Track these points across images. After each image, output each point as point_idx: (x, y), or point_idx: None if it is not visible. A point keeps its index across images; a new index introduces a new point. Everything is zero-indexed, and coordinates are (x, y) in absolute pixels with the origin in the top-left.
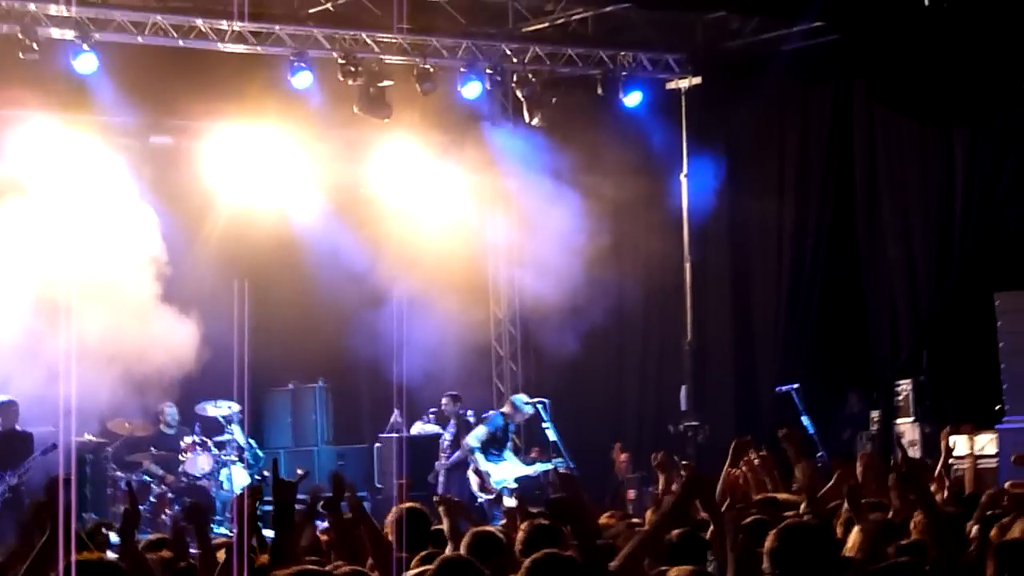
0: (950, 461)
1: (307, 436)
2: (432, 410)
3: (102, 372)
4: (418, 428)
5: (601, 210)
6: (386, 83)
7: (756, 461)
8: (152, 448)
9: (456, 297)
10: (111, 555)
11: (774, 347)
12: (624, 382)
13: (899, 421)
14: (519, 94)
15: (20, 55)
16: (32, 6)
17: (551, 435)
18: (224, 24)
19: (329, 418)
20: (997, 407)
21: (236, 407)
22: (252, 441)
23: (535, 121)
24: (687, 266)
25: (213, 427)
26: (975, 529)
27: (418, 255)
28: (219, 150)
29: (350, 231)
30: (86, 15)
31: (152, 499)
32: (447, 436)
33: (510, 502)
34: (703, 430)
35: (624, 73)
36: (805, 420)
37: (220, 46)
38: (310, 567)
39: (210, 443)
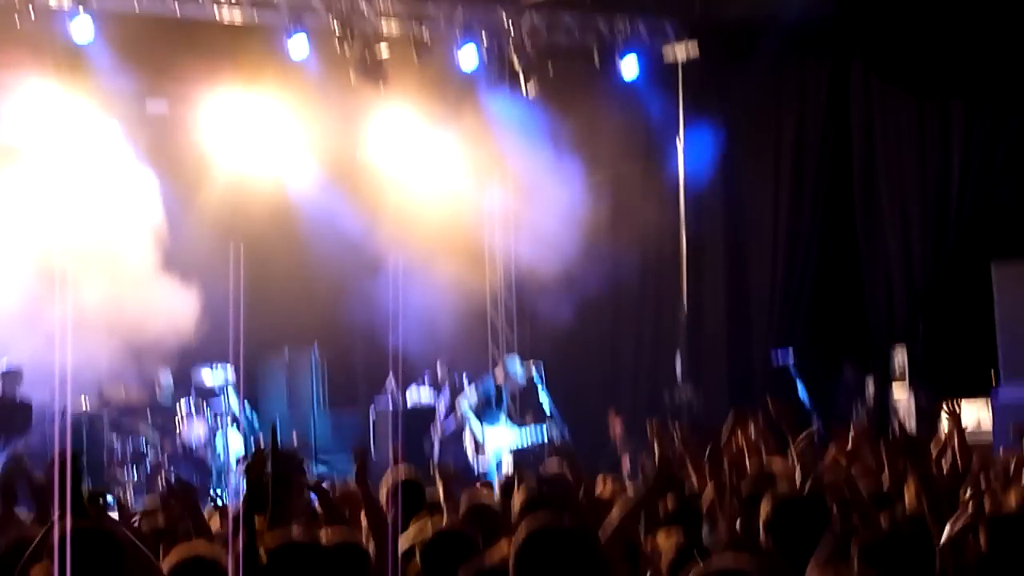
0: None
1: (302, 402)
2: (427, 372)
3: (99, 338)
4: (413, 393)
5: (597, 179)
6: (383, 52)
7: (751, 430)
8: (148, 414)
9: (452, 264)
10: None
11: (769, 316)
12: (619, 350)
13: (894, 389)
14: (516, 64)
15: (17, 22)
16: None
17: (545, 401)
18: None
19: (324, 384)
20: (992, 376)
21: (231, 372)
22: (248, 406)
23: (531, 91)
24: (683, 236)
25: (208, 393)
26: (968, 498)
27: (414, 223)
28: (215, 118)
29: (346, 199)
30: None
31: (148, 465)
32: (442, 405)
33: (508, 461)
34: (698, 399)
35: (621, 43)
36: (800, 388)
37: (217, 14)
38: (299, 539)
39: (206, 409)
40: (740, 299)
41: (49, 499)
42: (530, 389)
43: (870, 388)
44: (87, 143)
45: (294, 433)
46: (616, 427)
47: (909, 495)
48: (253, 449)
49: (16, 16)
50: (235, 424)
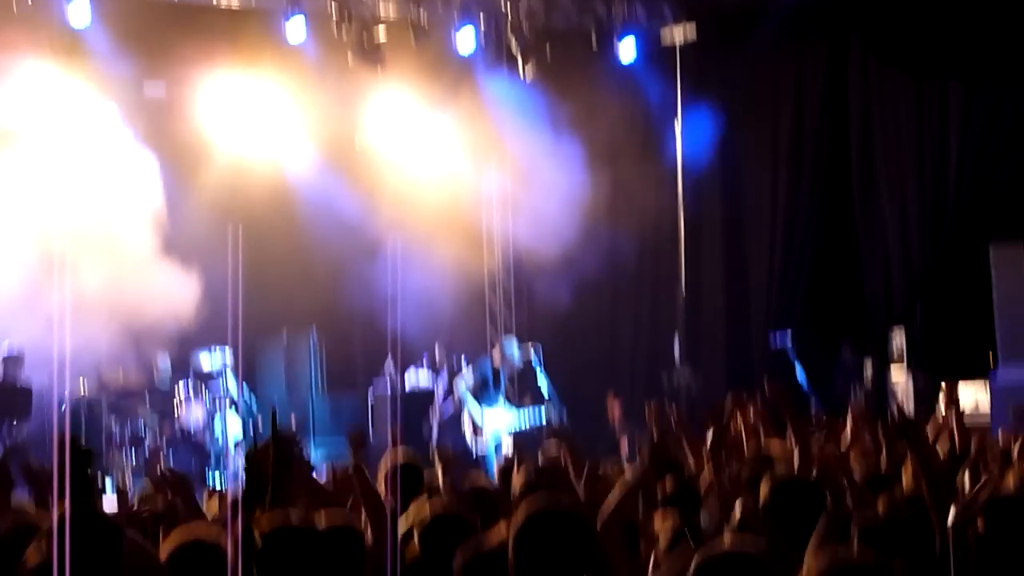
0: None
1: (300, 385)
2: (425, 355)
3: (97, 321)
4: (411, 375)
5: (595, 162)
6: (381, 35)
7: (750, 412)
8: (146, 397)
9: (450, 247)
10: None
11: (767, 297)
12: (617, 333)
13: (892, 372)
14: (513, 47)
15: (14, 5)
16: None
17: (543, 383)
18: None
19: (322, 367)
20: (990, 358)
21: (229, 356)
22: (246, 389)
23: (529, 74)
24: (681, 218)
25: (206, 376)
26: (967, 480)
27: (412, 206)
28: (213, 101)
29: (344, 182)
30: None
31: (146, 449)
32: (440, 388)
33: (507, 443)
34: (696, 380)
35: (618, 26)
36: (799, 371)
37: None
38: (292, 523)
39: (204, 392)
40: (738, 281)
41: (47, 484)
42: (528, 372)
43: (868, 370)
44: (85, 126)
45: (292, 416)
46: (614, 410)
47: (907, 477)
48: (252, 434)
49: (14, 3)
50: (233, 407)
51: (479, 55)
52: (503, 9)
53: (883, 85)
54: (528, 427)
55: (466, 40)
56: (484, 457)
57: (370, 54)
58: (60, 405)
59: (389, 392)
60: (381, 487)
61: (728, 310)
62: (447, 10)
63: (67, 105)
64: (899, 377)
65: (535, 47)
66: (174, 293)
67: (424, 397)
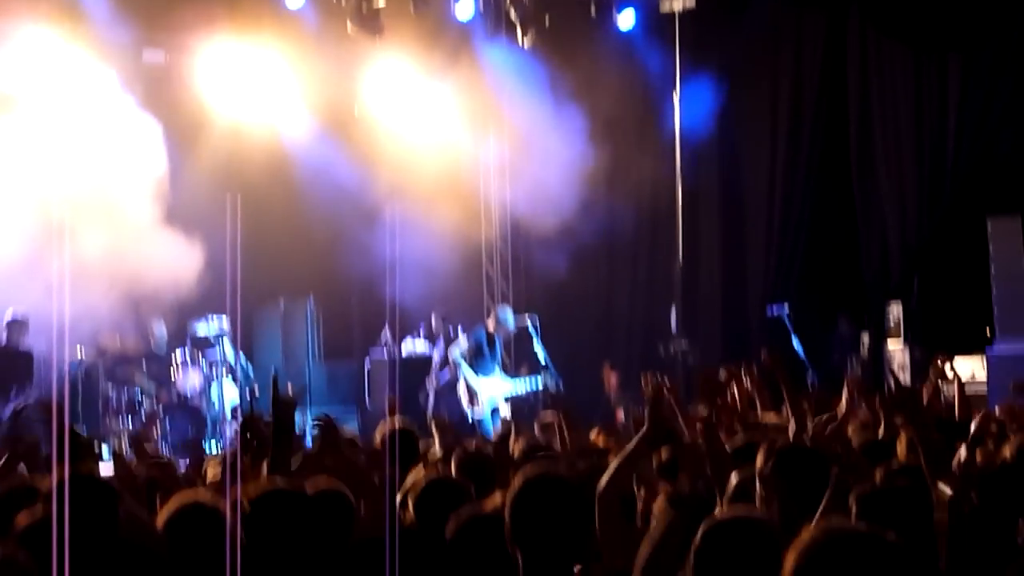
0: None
1: (297, 353)
2: (422, 325)
3: (95, 288)
4: (408, 344)
5: (594, 132)
6: (379, 1)
7: (745, 383)
8: (143, 363)
9: (448, 216)
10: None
11: (765, 269)
12: (614, 303)
13: (889, 344)
14: (512, 15)
15: None
16: None
17: (540, 351)
18: None
19: (319, 335)
20: (987, 331)
21: (226, 323)
22: (243, 357)
23: (527, 42)
24: (679, 189)
25: (204, 343)
26: (963, 452)
27: (410, 174)
28: (211, 68)
29: (342, 149)
30: None
31: (142, 415)
32: (436, 357)
33: (506, 410)
34: (693, 351)
35: None
36: (795, 342)
37: None
38: (282, 486)
39: (201, 359)
40: (735, 252)
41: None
42: (524, 341)
43: (865, 343)
44: (84, 92)
45: (289, 385)
46: (611, 380)
47: (900, 447)
48: (249, 401)
49: None
50: (230, 374)
51: (478, 22)
52: None
53: (882, 56)
54: (524, 395)
55: (465, 7)
56: (480, 423)
57: (369, 21)
58: (59, 371)
59: (386, 356)
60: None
61: (725, 281)
62: None
63: (66, 71)
64: (896, 350)
65: (534, 15)
66: (172, 260)
67: (421, 364)
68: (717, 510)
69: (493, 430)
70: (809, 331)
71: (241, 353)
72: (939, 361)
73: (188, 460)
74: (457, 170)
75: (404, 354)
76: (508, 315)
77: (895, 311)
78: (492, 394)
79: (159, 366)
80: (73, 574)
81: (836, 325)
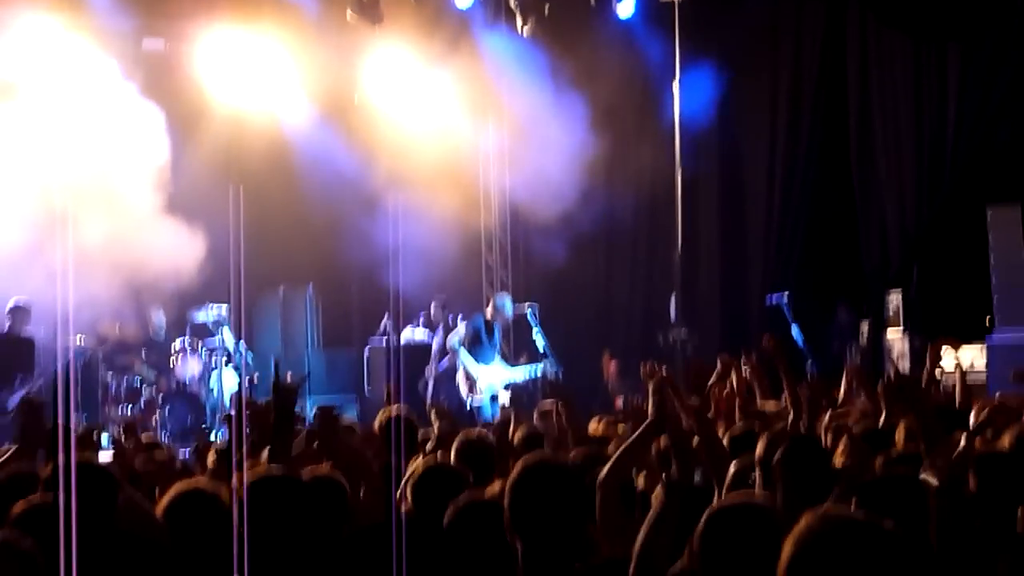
0: (938, 373)
1: (297, 340)
2: (421, 314)
3: (96, 276)
4: (408, 333)
5: (593, 120)
6: None
7: (744, 371)
8: (143, 351)
9: (447, 204)
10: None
11: (764, 258)
12: (614, 291)
13: (888, 333)
14: (511, 3)
15: None
16: None
17: (540, 340)
18: None
19: (319, 323)
20: (987, 320)
21: (226, 311)
22: (243, 345)
23: (527, 30)
24: (678, 177)
25: (203, 331)
26: (963, 440)
27: (410, 162)
28: (211, 56)
29: (342, 137)
30: None
31: (142, 402)
32: (435, 344)
33: (505, 397)
34: (692, 340)
35: None
36: (795, 331)
37: None
38: (277, 471)
39: (200, 347)
40: (735, 241)
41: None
42: (524, 330)
43: (864, 331)
44: (84, 80)
45: (288, 373)
46: (610, 368)
47: (899, 436)
48: (248, 389)
49: None
50: (230, 362)
51: (477, 10)
52: None
53: (882, 46)
54: (524, 382)
55: None
56: (479, 410)
57: (368, 9)
58: (64, 360)
59: (386, 344)
60: (376, 441)
61: (724, 270)
62: None
63: (67, 59)
64: (895, 339)
65: (533, 3)
66: (172, 248)
67: (420, 352)
68: (714, 498)
69: (492, 417)
70: (808, 320)
71: (241, 341)
72: (940, 347)
73: (191, 447)
74: (457, 158)
75: (403, 342)
76: (506, 302)
77: (894, 300)
78: (491, 381)
79: (158, 354)
80: (70, 559)
81: (835, 314)
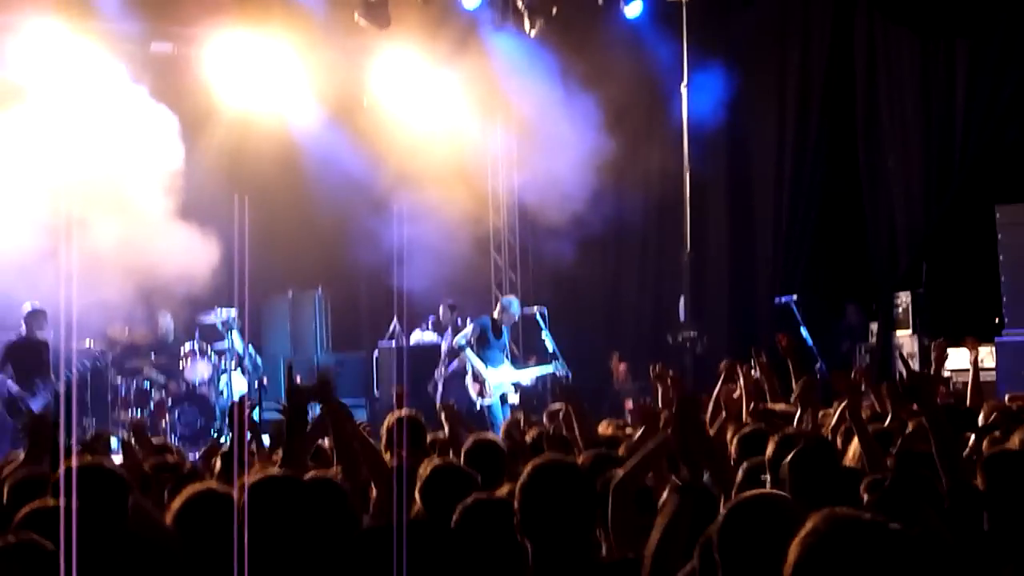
0: (946, 374)
1: (305, 343)
2: (431, 317)
3: (106, 280)
4: (416, 336)
5: (601, 121)
6: None
7: (754, 372)
8: (152, 355)
9: (456, 206)
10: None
11: (773, 259)
12: (622, 293)
13: (898, 333)
14: (519, 4)
15: None
16: None
17: (549, 343)
18: None
19: (328, 325)
20: (996, 320)
21: (235, 314)
22: (252, 348)
23: (535, 32)
24: (687, 177)
25: (212, 334)
26: (972, 440)
27: (418, 164)
28: (220, 59)
29: (350, 139)
30: None
31: (151, 406)
32: (444, 346)
33: (515, 398)
34: (701, 341)
35: None
36: (804, 332)
37: None
38: (278, 472)
39: (209, 350)
40: (744, 242)
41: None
42: (533, 332)
43: (873, 332)
44: (93, 84)
45: (297, 376)
46: (619, 370)
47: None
48: (257, 391)
49: None
50: (239, 365)
51: (485, 11)
52: None
53: (889, 44)
54: (534, 383)
55: None
56: (490, 409)
57: (376, 11)
58: (69, 363)
59: (395, 346)
60: (384, 443)
61: (733, 271)
62: None
63: (75, 63)
64: (904, 339)
65: (541, 3)
66: (181, 251)
67: (429, 354)
68: (720, 500)
69: (503, 420)
70: (817, 320)
71: (249, 344)
72: (944, 347)
73: (200, 450)
74: (465, 160)
75: (412, 344)
76: (513, 303)
77: (904, 300)
78: (501, 380)
79: (168, 357)
80: (81, 563)
81: (844, 314)
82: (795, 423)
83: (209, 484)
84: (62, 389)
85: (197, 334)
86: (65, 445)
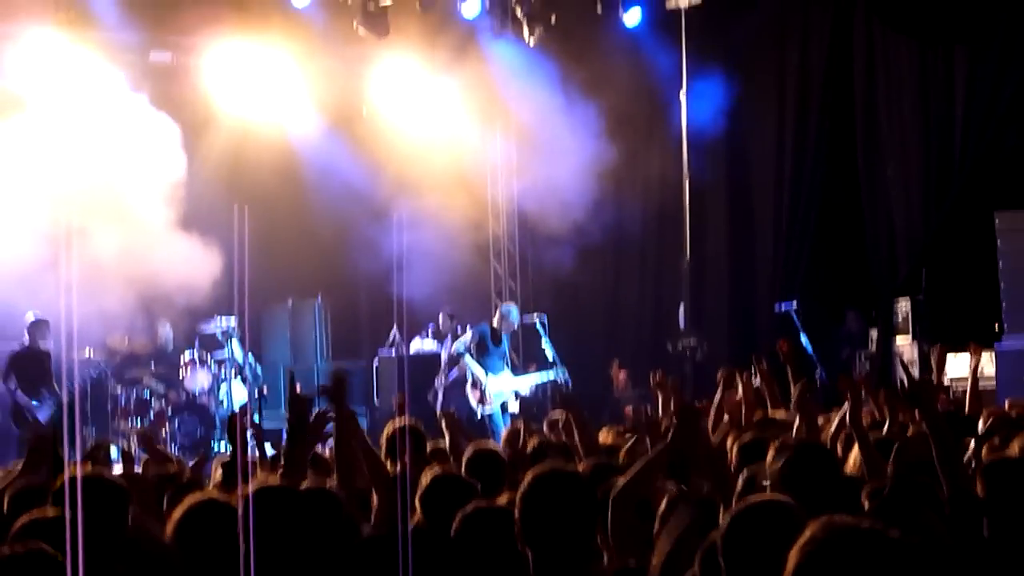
0: (946, 380)
1: (305, 352)
2: (431, 325)
3: (106, 289)
4: (416, 345)
5: (601, 129)
6: (385, 0)
7: (755, 379)
8: (152, 364)
9: (455, 214)
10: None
11: (772, 266)
12: (622, 300)
13: (897, 340)
14: (518, 12)
15: None
16: None
17: (549, 351)
18: None
19: (327, 334)
20: (996, 326)
21: (234, 322)
22: (251, 357)
23: (534, 40)
24: (686, 185)
25: (212, 343)
26: (972, 447)
27: (417, 172)
28: (219, 67)
29: (349, 148)
30: None
31: (152, 415)
32: (445, 354)
33: (515, 407)
34: (701, 348)
35: None
36: (803, 339)
37: None
38: (274, 483)
39: (209, 359)
40: (743, 249)
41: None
42: (533, 340)
43: (873, 338)
44: (92, 93)
45: (297, 385)
46: (619, 378)
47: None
48: (257, 401)
49: None
50: (239, 375)
51: (484, 20)
52: None
53: (888, 50)
54: (535, 389)
55: (471, 5)
56: (491, 417)
57: (376, 19)
58: (71, 374)
59: (395, 355)
60: (384, 451)
61: (733, 278)
62: None
63: (74, 72)
64: (904, 345)
65: (540, 12)
66: (180, 260)
67: (429, 362)
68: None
69: (504, 428)
70: (817, 327)
71: (249, 353)
72: (944, 353)
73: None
74: (464, 168)
75: (412, 352)
76: (512, 311)
77: (903, 306)
78: (501, 388)
79: (167, 367)
80: (84, 572)
81: (844, 321)
82: (793, 430)
83: (210, 494)
84: (65, 399)
85: (197, 343)
86: (67, 456)
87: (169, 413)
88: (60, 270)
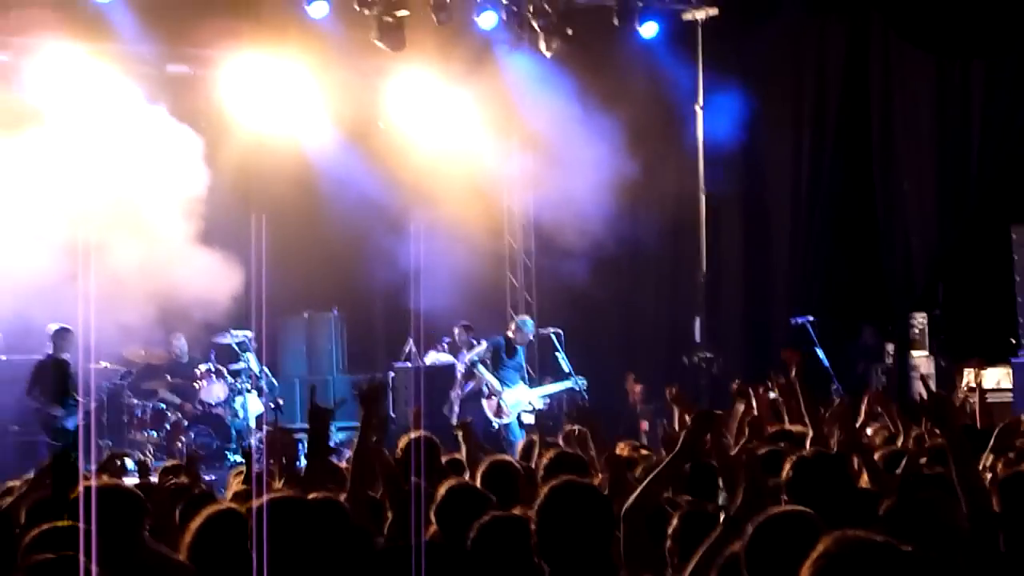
0: (960, 394)
1: (321, 365)
2: (446, 339)
3: (124, 301)
4: (432, 357)
5: (617, 142)
6: (402, 12)
7: (772, 394)
8: (168, 376)
9: (471, 227)
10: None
11: (788, 280)
12: (638, 313)
13: (914, 354)
14: (535, 24)
15: None
16: None
17: (564, 364)
18: None
19: (343, 347)
20: (1013, 341)
21: (250, 334)
22: (267, 369)
23: (550, 52)
24: (702, 198)
25: (228, 355)
26: (989, 461)
27: (433, 185)
28: (235, 80)
29: (366, 160)
30: None
31: (167, 426)
32: (460, 367)
33: (529, 418)
34: (716, 362)
35: (640, 3)
36: (819, 352)
37: None
38: (286, 494)
39: (225, 371)
40: (759, 262)
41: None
42: (549, 353)
43: (889, 352)
44: (110, 106)
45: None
46: (635, 391)
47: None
48: (273, 413)
49: None
50: (255, 386)
51: (501, 32)
52: None
53: (904, 64)
54: (552, 397)
55: (488, 17)
56: (507, 427)
57: (392, 32)
58: (99, 386)
59: (411, 366)
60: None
61: (748, 292)
62: None
63: (92, 86)
64: (921, 360)
65: (556, 24)
66: (197, 273)
67: (445, 375)
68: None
69: (520, 442)
70: (833, 341)
71: (264, 367)
72: (972, 367)
73: (210, 471)
74: (480, 181)
75: (428, 364)
76: (527, 323)
77: (920, 321)
78: (518, 399)
79: (183, 378)
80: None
81: (860, 335)
82: (807, 443)
83: (228, 504)
84: (81, 412)
85: (213, 355)
86: (84, 469)
87: (185, 425)
88: (79, 283)
